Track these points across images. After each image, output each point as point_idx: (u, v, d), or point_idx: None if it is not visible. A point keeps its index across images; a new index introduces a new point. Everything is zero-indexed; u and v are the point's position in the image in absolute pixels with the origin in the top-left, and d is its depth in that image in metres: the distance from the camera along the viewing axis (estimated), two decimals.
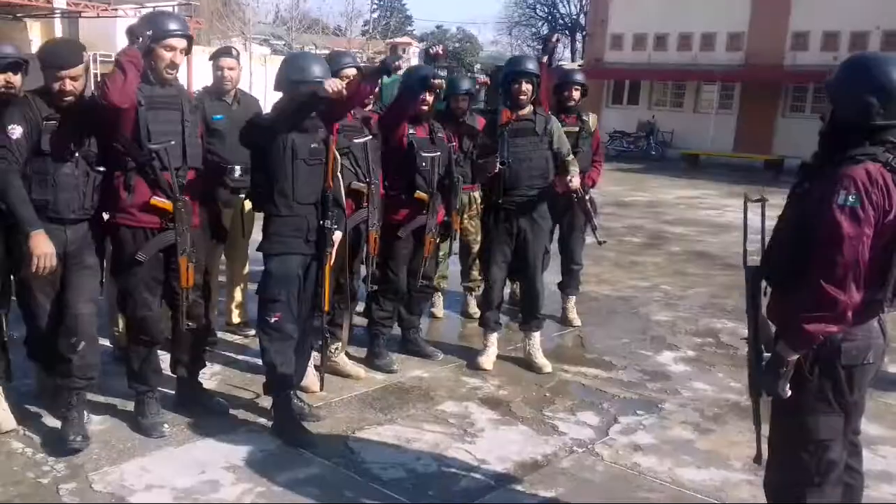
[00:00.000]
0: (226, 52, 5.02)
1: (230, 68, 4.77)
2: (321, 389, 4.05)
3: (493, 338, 4.88)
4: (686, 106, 24.39)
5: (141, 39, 3.38)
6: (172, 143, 3.46)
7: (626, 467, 3.64)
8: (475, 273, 5.78)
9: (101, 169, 3.48)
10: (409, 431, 3.92)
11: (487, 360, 4.82)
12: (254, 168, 3.75)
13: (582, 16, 39.97)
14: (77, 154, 3.38)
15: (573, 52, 41.20)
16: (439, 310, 5.86)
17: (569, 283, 5.86)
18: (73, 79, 3.36)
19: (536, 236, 4.67)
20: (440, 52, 4.83)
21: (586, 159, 5.68)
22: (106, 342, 4.71)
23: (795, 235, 2.47)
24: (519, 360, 4.96)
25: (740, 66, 22.62)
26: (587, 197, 5.54)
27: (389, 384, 4.53)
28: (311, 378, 4.21)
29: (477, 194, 5.28)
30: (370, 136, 4.33)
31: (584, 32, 38.27)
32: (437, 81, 4.38)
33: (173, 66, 3.48)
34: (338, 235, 3.80)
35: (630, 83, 25.35)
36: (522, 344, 4.97)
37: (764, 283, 2.63)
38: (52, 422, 3.76)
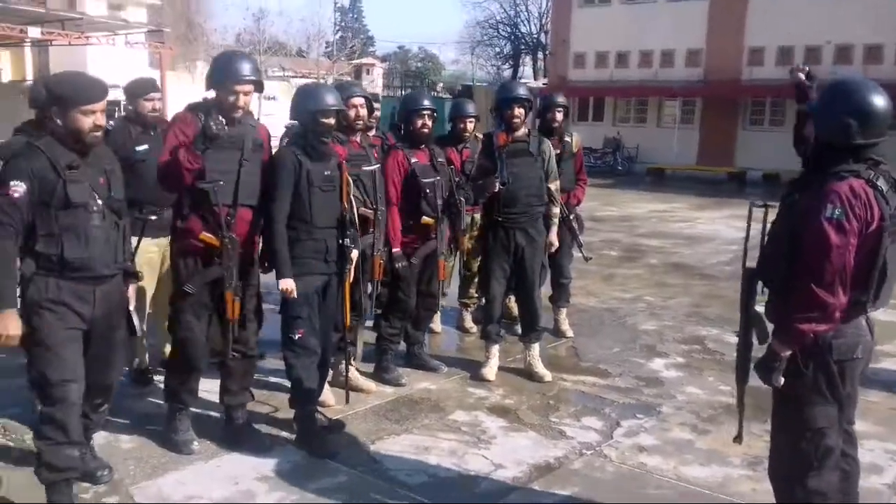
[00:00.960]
0: None
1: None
2: (347, 402, 4.23)
3: (495, 350, 5.11)
4: (649, 121, 25.02)
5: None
6: (221, 183, 3.57)
7: (634, 467, 3.89)
8: (472, 290, 6.02)
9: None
10: (425, 440, 4.12)
11: (490, 371, 5.05)
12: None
13: (542, 35, 40.65)
14: (102, 203, 3.10)
15: (535, 70, 41.84)
16: (437, 325, 6.07)
17: (559, 296, 6.12)
18: (102, 112, 3.13)
19: (533, 252, 4.92)
20: None
21: (569, 179, 5.97)
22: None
23: (787, 243, 2.74)
24: (519, 370, 5.19)
25: (699, 81, 23.31)
26: (572, 215, 5.85)
27: (400, 397, 4.73)
28: (326, 393, 4.40)
29: (478, 216, 5.53)
30: (378, 165, 4.58)
31: (546, 52, 38.95)
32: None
33: (237, 106, 3.64)
34: (355, 254, 4.04)
35: (594, 100, 25.93)
36: (522, 355, 5.21)
37: (760, 284, 2.90)
38: None
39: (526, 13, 41.17)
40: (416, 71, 58.80)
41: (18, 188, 2.90)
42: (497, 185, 4.67)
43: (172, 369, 3.85)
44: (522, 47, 42.06)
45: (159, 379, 4.78)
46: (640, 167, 23.13)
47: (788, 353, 2.69)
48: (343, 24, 53.99)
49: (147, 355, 4.87)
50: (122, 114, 4.74)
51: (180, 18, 33.76)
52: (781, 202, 2.84)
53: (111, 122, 4.71)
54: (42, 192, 2.94)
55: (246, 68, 3.64)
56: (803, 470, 2.79)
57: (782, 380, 2.73)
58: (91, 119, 3.05)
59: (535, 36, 41.18)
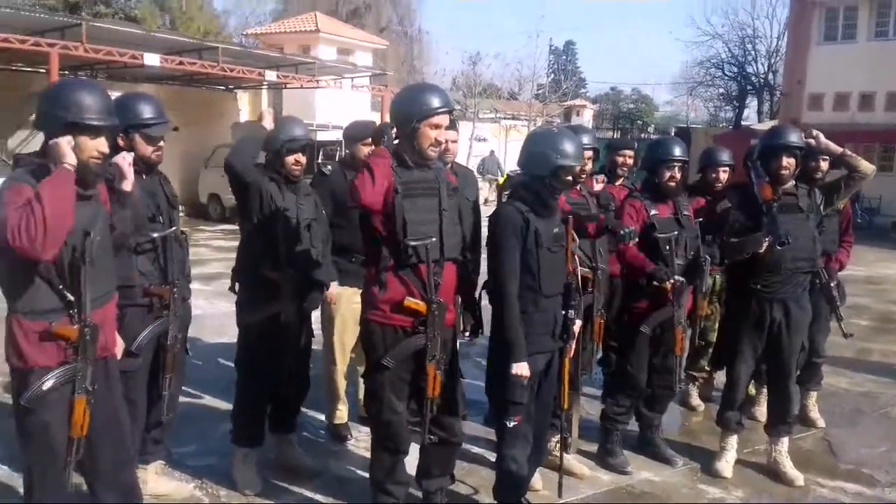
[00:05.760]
0: (449, 124, 4.88)
1: (453, 141, 4.43)
2: (560, 495, 3.68)
3: (733, 441, 4.33)
4: None
5: (386, 138, 3.12)
6: (433, 239, 3.11)
7: None
8: (703, 362, 5.26)
9: None
10: None
11: (726, 465, 4.28)
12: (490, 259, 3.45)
13: (771, 75, 38.08)
14: None
15: (760, 112, 39.25)
16: None
17: (809, 377, 5.16)
18: None
19: (793, 330, 4.12)
20: None
21: (832, 240, 5.07)
22: (321, 416, 4.67)
23: None
24: (761, 465, 4.38)
25: None
26: (834, 282, 4.91)
27: (618, 487, 4.09)
28: (534, 476, 3.86)
29: (719, 277, 4.81)
30: (600, 217, 4.05)
31: (773, 92, 36.46)
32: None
33: (437, 144, 3.15)
34: (577, 325, 3.49)
35: None
36: (767, 449, 4.38)
37: None
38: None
39: (753, 52, 38.82)
40: (627, 112, 57.46)
41: None
42: (765, 244, 3.94)
43: (376, 458, 3.33)
44: (749, 88, 39.62)
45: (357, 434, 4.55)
46: (884, 220, 20.53)
47: None
48: (556, 65, 54.09)
49: (347, 407, 4.61)
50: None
51: (403, 63, 35.41)
52: None
53: (328, 167, 4.57)
54: None
55: (436, 99, 3.12)
56: None
57: None
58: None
59: (763, 76, 38.63)
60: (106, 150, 2.67)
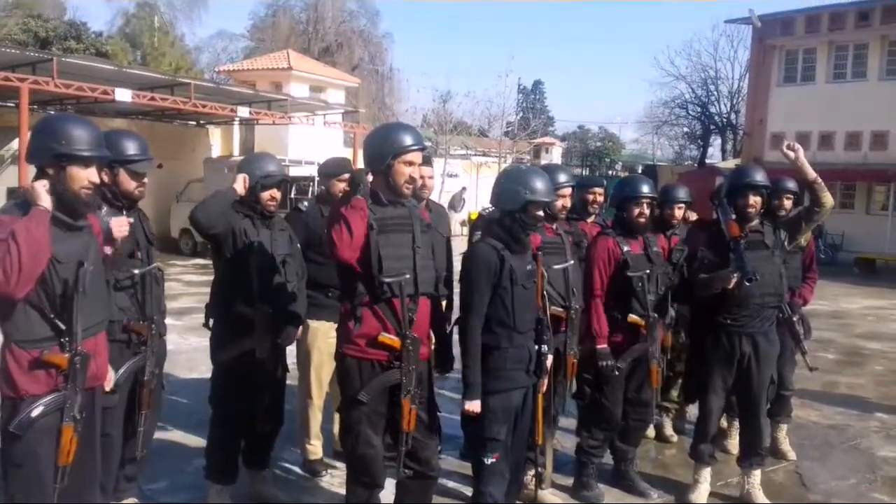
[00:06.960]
0: (424, 160, 4.95)
1: (429, 177, 4.47)
2: None
3: (706, 473, 4.38)
4: (857, 207, 22.85)
5: (362, 186, 3.10)
6: (407, 276, 3.11)
7: None
8: (674, 393, 5.33)
9: None
10: None
11: (700, 497, 4.33)
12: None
13: (733, 115, 39.04)
14: None
15: (724, 150, 40.15)
16: None
17: (779, 409, 5.25)
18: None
19: (762, 364, 4.19)
20: None
21: (795, 276, 5.21)
22: (296, 451, 4.63)
23: None
24: (733, 498, 4.43)
25: None
26: (797, 317, 5.03)
27: None
28: None
29: (684, 309, 4.90)
30: (572, 261, 4.12)
31: (736, 131, 37.31)
32: None
33: (412, 181, 3.18)
34: (549, 360, 3.53)
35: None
36: (740, 481, 4.43)
37: None
38: None
39: (716, 93, 39.83)
40: (594, 150, 58.26)
41: None
42: (734, 280, 4.01)
43: (352, 492, 3.30)
44: (712, 127, 40.55)
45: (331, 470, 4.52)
46: (846, 256, 21.03)
47: None
48: (525, 104, 54.83)
49: (321, 443, 4.58)
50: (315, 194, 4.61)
51: (374, 100, 35.66)
52: None
53: (304, 203, 4.60)
54: None
55: (409, 137, 3.16)
56: None
57: None
58: None
59: (725, 116, 39.58)
60: (96, 179, 2.72)
